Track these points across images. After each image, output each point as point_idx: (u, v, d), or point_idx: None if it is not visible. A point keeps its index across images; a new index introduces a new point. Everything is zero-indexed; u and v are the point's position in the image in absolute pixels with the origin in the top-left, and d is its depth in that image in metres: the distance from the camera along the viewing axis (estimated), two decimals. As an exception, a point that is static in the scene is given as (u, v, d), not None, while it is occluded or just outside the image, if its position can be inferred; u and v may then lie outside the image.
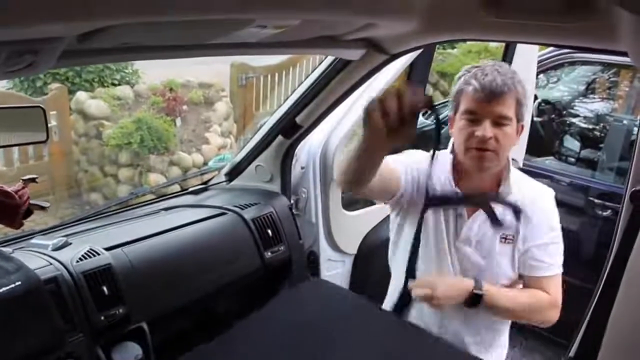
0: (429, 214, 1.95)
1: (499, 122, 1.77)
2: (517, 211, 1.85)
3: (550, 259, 1.90)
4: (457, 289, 1.83)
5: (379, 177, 1.72)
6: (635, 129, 3.53)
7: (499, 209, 1.86)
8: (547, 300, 1.90)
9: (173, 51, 1.60)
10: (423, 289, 1.81)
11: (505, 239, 1.90)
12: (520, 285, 1.98)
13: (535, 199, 1.92)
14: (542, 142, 4.08)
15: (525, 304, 1.91)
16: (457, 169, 1.95)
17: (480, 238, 1.91)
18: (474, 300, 1.82)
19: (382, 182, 1.80)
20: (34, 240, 2.05)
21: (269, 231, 2.49)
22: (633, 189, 1.46)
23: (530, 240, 1.90)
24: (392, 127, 1.37)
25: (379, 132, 1.40)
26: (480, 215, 1.90)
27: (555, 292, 1.91)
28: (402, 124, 1.37)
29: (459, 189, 1.92)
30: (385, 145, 1.53)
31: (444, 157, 1.97)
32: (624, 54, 1.39)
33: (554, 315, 1.92)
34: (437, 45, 4.95)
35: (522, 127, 1.86)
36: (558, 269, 1.92)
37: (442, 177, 1.95)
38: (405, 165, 1.96)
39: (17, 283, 1.69)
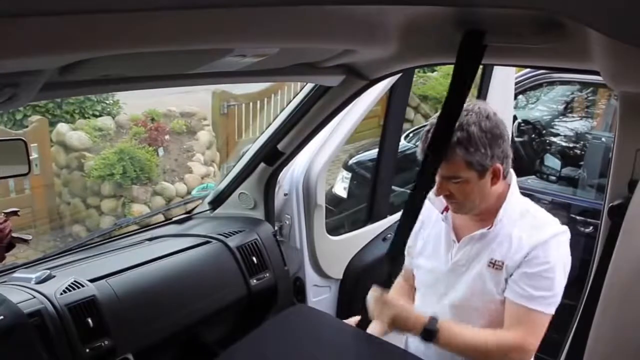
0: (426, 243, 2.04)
1: (449, 179, 1.80)
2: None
3: (535, 291, 1.80)
4: (412, 323, 1.83)
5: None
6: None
7: (494, 236, 1.88)
8: (512, 342, 1.81)
9: (154, 81, 1.61)
10: (376, 306, 1.85)
11: (494, 264, 1.87)
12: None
13: (536, 231, 1.86)
14: (523, 162, 4.13)
15: (482, 344, 1.82)
16: None
17: (471, 260, 1.93)
18: (427, 335, 1.80)
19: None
20: (16, 274, 2.03)
21: (254, 258, 2.49)
22: (610, 204, 1.48)
23: (523, 267, 1.83)
24: None
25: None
26: (471, 238, 1.92)
27: (527, 330, 1.81)
28: None
29: (452, 222, 1.97)
30: None
31: None
32: (597, 73, 1.42)
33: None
34: (417, 69, 5.00)
35: (498, 169, 1.81)
36: (541, 307, 1.81)
37: (434, 213, 2.02)
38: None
39: (0, 317, 1.68)
